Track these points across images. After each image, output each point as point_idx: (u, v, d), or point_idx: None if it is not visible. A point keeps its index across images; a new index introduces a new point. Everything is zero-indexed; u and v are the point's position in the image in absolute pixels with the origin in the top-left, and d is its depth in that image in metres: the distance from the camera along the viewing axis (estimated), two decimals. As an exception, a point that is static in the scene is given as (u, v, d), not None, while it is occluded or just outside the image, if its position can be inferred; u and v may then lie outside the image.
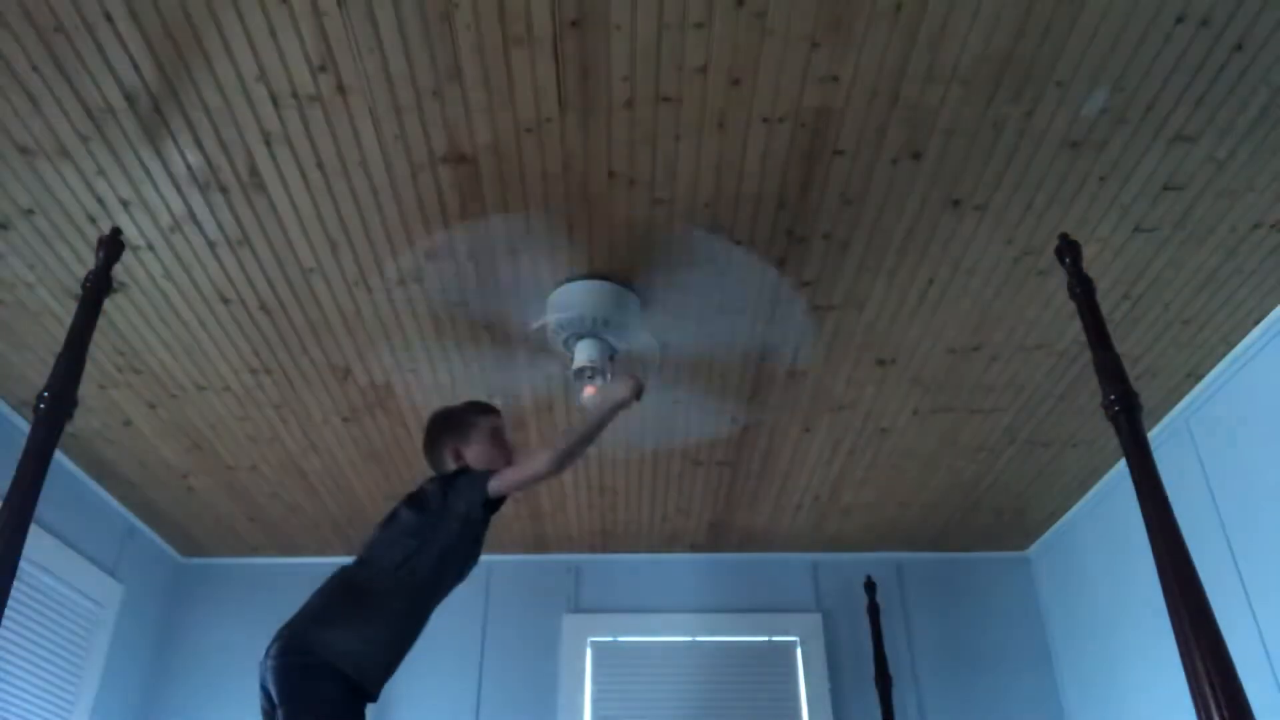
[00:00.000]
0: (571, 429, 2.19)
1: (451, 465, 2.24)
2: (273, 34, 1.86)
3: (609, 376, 2.56)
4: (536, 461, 2.10)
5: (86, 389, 2.91)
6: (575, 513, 3.84)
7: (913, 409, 3.11)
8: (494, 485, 2.09)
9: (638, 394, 2.21)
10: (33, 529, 1.64)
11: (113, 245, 1.97)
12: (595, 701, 3.90)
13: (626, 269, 2.48)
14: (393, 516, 2.18)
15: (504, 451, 2.28)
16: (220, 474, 3.50)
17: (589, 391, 2.45)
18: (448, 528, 2.10)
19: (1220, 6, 1.80)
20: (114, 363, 2.85)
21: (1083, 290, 1.96)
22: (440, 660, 3.95)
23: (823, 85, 1.97)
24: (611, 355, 2.59)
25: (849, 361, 2.87)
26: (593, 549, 4.17)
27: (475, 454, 2.24)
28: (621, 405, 2.20)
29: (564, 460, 2.11)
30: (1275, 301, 2.61)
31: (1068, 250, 2.04)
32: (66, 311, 2.59)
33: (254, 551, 4.16)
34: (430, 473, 2.31)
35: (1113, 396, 1.77)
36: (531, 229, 2.35)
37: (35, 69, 1.93)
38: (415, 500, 2.18)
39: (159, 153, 2.13)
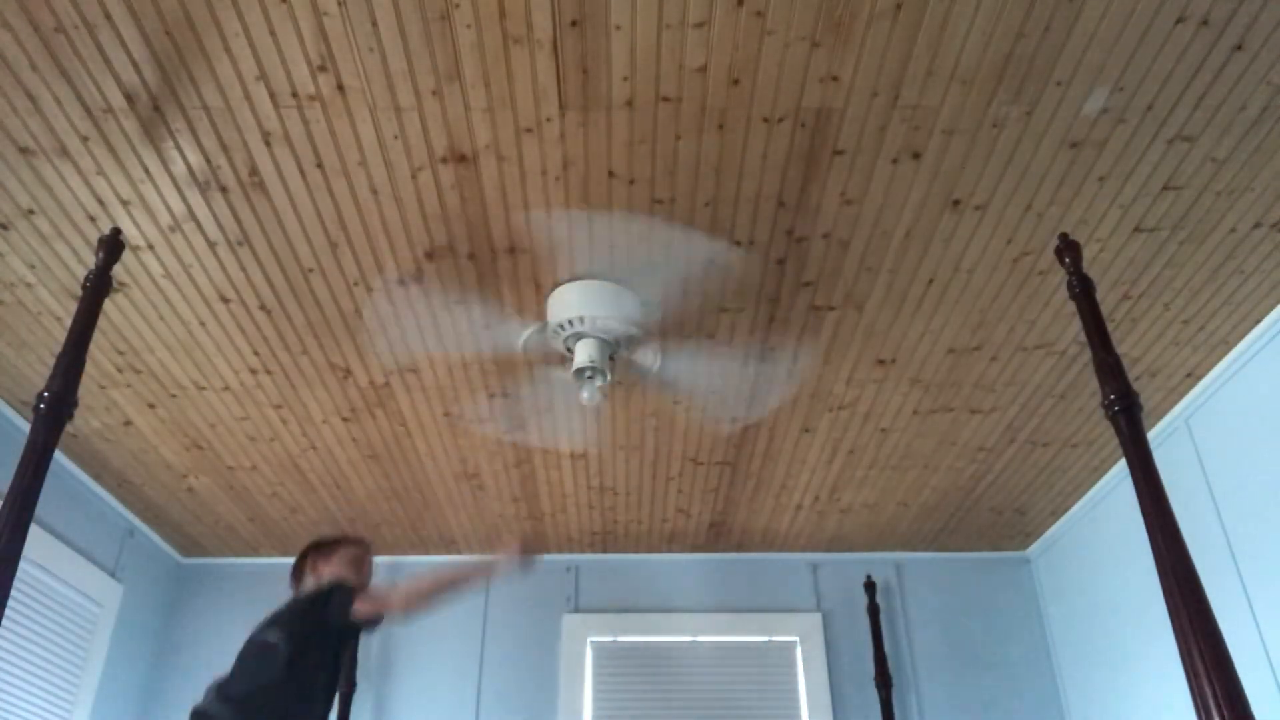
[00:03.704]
0: (436, 575, 2.32)
1: (309, 575, 2.39)
2: (273, 34, 1.86)
3: (609, 376, 2.57)
4: (392, 596, 2.30)
5: (86, 389, 2.92)
6: (575, 513, 3.84)
7: (913, 409, 3.11)
8: (356, 605, 2.21)
9: (518, 565, 2.40)
10: (33, 529, 1.64)
11: (113, 245, 1.98)
12: (595, 701, 3.91)
13: (626, 269, 2.48)
14: (250, 644, 2.21)
15: (359, 576, 2.40)
16: (220, 474, 3.50)
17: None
18: (315, 638, 2.18)
19: (1220, 6, 1.80)
20: (114, 363, 2.85)
21: (1083, 290, 1.97)
22: (440, 660, 3.95)
23: (823, 85, 1.97)
24: (611, 355, 2.59)
25: (849, 361, 2.87)
26: (593, 549, 4.17)
27: (332, 569, 2.38)
28: (494, 572, 2.45)
29: (412, 605, 2.29)
30: (1275, 301, 2.61)
31: (1068, 250, 2.04)
32: (66, 311, 2.60)
33: (254, 551, 4.17)
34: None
35: (1113, 396, 1.78)
36: (532, 229, 2.35)
37: (35, 69, 1.93)
38: (275, 622, 2.23)
39: (159, 153, 2.13)
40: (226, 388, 2.99)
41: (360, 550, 2.48)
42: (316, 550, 2.46)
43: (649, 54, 1.90)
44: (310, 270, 2.50)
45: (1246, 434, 2.75)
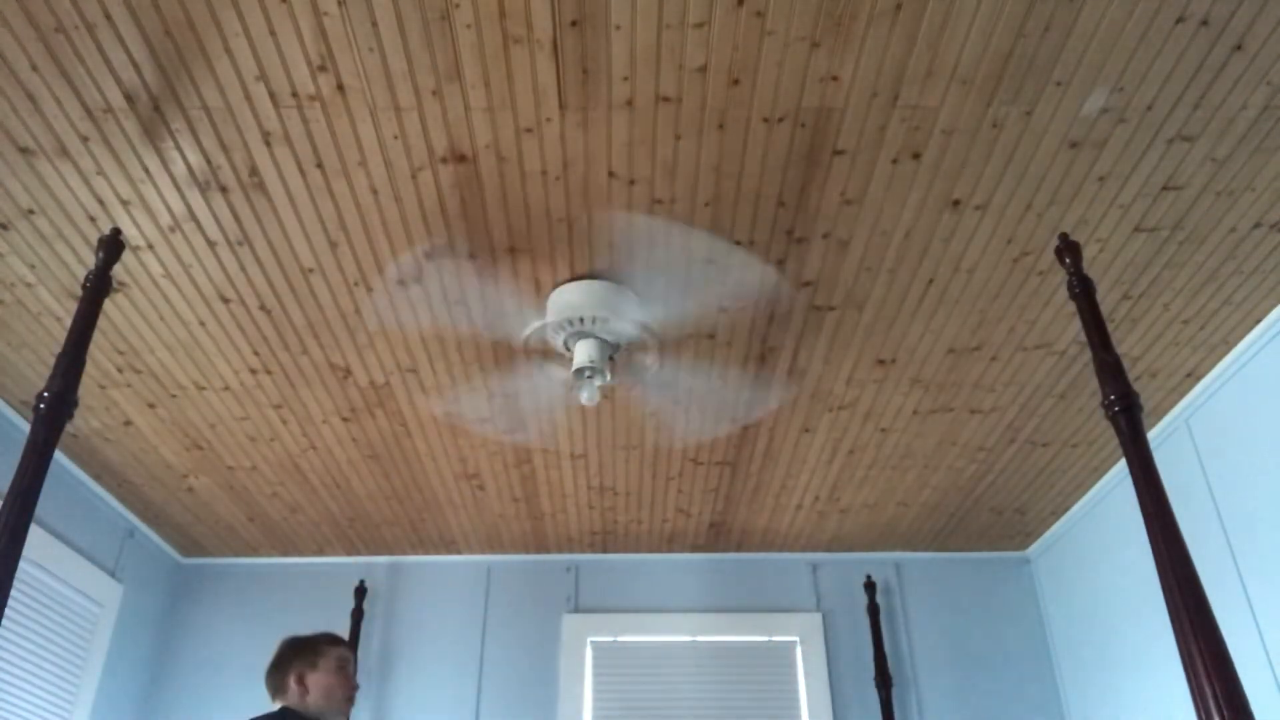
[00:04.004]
0: None
1: (293, 688, 2.34)
2: (273, 34, 1.86)
3: (609, 376, 2.57)
4: None
5: (86, 389, 2.92)
6: (575, 513, 3.84)
7: (913, 409, 3.11)
8: None
9: None
10: (33, 529, 1.64)
11: (113, 245, 1.98)
12: (595, 701, 3.91)
13: (626, 269, 2.48)
14: None
15: (346, 684, 2.39)
16: (220, 474, 3.50)
17: None
18: None
19: (1220, 6, 1.80)
20: (114, 363, 2.85)
21: (1083, 290, 1.97)
22: (440, 660, 3.96)
23: (823, 85, 1.97)
24: (611, 355, 2.59)
25: (849, 361, 2.87)
26: (593, 549, 4.17)
27: (317, 681, 2.35)
28: None
29: None
30: (1275, 301, 2.61)
31: (1068, 250, 2.04)
32: (66, 311, 2.60)
33: (254, 551, 4.17)
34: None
35: (1113, 396, 1.78)
36: (532, 229, 2.35)
37: (35, 69, 1.93)
38: None
39: (159, 153, 2.13)
40: (226, 388, 2.99)
41: (344, 651, 2.45)
42: (298, 654, 2.40)
43: (649, 54, 1.90)
44: (310, 270, 2.50)
45: (1246, 434, 2.76)
